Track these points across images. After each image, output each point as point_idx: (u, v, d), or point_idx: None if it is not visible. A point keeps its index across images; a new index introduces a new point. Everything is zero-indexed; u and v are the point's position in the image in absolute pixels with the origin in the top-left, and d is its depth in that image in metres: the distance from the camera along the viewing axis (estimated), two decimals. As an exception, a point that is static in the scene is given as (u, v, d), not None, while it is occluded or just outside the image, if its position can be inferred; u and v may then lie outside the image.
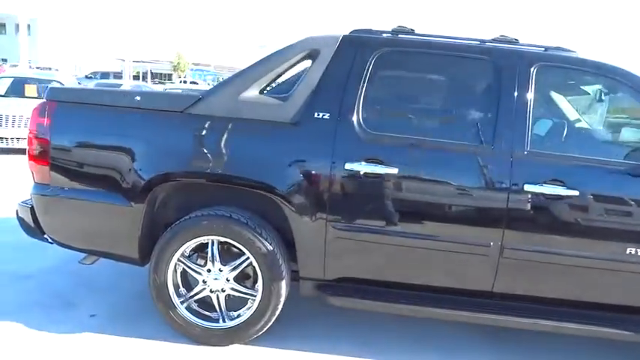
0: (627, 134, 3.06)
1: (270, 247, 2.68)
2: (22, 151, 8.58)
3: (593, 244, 2.58)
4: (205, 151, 2.69)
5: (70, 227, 2.90)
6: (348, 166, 2.60)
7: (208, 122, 2.71)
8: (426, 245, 2.63)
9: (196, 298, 2.82)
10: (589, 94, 3.12)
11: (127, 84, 18.87)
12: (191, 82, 29.25)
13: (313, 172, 2.63)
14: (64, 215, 2.88)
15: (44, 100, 2.86)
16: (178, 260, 2.76)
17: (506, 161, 2.57)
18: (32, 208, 2.88)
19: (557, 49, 2.82)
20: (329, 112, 2.66)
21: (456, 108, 2.85)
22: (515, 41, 2.82)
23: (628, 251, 2.54)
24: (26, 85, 10.01)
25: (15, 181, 6.66)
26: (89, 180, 2.82)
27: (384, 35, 2.82)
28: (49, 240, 2.95)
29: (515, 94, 2.61)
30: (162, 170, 2.70)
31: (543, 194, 2.53)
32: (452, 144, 2.64)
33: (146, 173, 2.70)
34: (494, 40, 2.84)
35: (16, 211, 3.02)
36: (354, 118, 2.64)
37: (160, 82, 39.83)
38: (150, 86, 21.67)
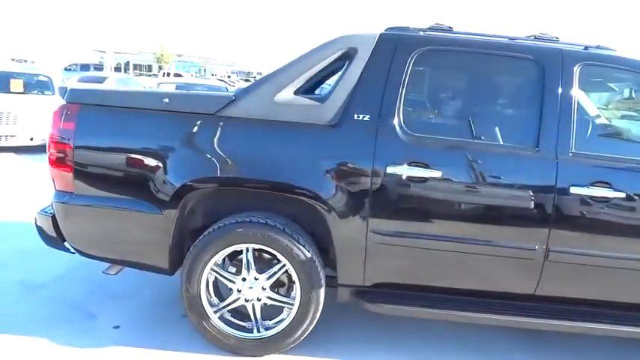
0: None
1: (309, 254, 2.59)
2: (10, 149, 8.36)
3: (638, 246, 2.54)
4: (242, 155, 2.58)
5: (96, 236, 2.77)
6: (390, 169, 2.51)
7: (243, 125, 2.59)
8: (468, 249, 2.57)
9: (230, 307, 2.72)
10: (632, 94, 3.08)
11: (112, 77, 18.34)
12: (175, 75, 28.69)
13: (354, 176, 2.54)
14: (89, 224, 2.74)
15: (65, 102, 2.70)
16: (211, 269, 2.65)
17: (551, 163, 2.51)
18: (54, 217, 2.74)
19: (597, 47, 2.76)
20: (369, 113, 2.56)
21: (499, 109, 2.78)
22: (556, 39, 2.75)
23: None
24: (12, 80, 9.67)
25: (11, 182, 6.44)
26: (116, 187, 2.68)
27: (424, 33, 2.72)
28: (71, 250, 2.81)
29: (559, 93, 2.54)
30: (196, 176, 2.57)
31: (590, 196, 2.49)
32: (496, 146, 2.57)
33: (179, 179, 2.57)
34: (535, 39, 2.77)
35: (35, 219, 2.87)
36: (395, 120, 2.55)
37: (139, 74, 38.97)
38: (137, 79, 21.11)
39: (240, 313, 2.75)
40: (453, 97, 2.87)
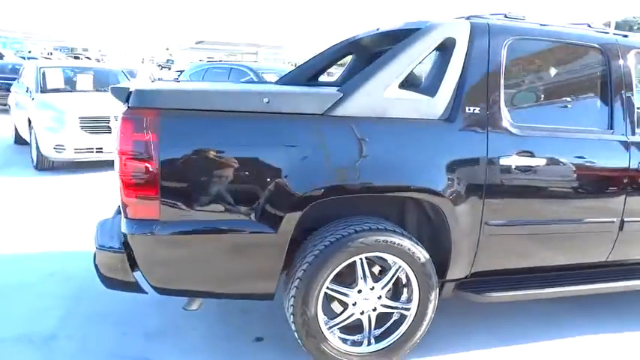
0: None
1: (427, 255, 2.49)
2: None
3: None
4: (362, 159, 2.33)
5: (186, 268, 2.28)
6: (503, 161, 2.52)
7: (358, 125, 2.34)
8: (566, 229, 2.73)
9: (343, 324, 2.49)
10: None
11: None
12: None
13: (471, 170, 2.49)
14: (181, 257, 2.24)
15: (130, 106, 2.13)
16: (327, 287, 2.39)
17: (623, 143, 2.77)
18: (129, 255, 2.18)
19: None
20: (479, 105, 2.51)
21: (580, 96, 2.95)
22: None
23: None
24: (80, 76, 8.19)
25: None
26: (214, 207, 2.21)
27: (510, 22, 2.72)
28: (145, 289, 2.29)
29: (623, 80, 2.79)
30: (318, 186, 2.26)
31: None
32: (584, 130, 2.74)
33: (296, 192, 2.23)
34: (588, 27, 2.97)
35: (94, 256, 2.25)
36: (502, 110, 2.54)
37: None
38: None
39: (348, 327, 2.54)
40: (543, 86, 2.95)
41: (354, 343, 2.53)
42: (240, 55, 40.07)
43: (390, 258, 2.45)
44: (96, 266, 2.28)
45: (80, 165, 6.92)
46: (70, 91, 7.88)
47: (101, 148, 6.66)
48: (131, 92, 2.14)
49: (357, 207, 2.54)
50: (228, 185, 2.22)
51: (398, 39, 2.65)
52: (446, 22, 2.60)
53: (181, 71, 12.57)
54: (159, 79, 13.20)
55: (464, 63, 2.52)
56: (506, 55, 2.60)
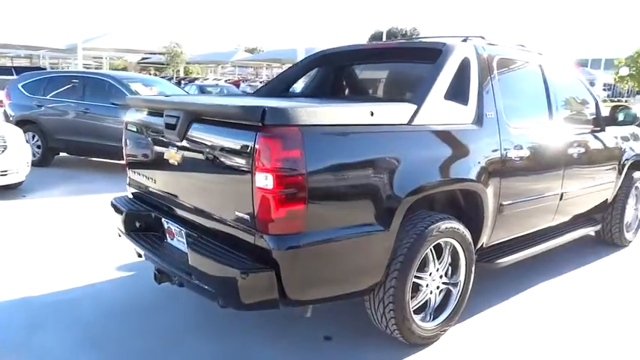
0: None
1: (470, 236, 3.02)
2: None
3: None
4: (439, 160, 2.76)
5: (320, 277, 2.36)
6: (508, 153, 3.20)
7: (430, 131, 2.75)
8: (549, 200, 3.67)
9: (418, 306, 2.86)
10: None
11: None
12: None
13: (494, 163, 3.09)
14: (320, 265, 2.32)
15: (266, 124, 2.14)
16: (414, 275, 2.74)
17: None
18: (278, 271, 2.18)
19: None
20: (492, 111, 3.14)
21: (540, 99, 3.79)
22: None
23: None
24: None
25: None
26: (347, 214, 2.41)
27: (493, 45, 3.40)
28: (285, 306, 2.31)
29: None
30: (414, 186, 2.60)
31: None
32: (546, 125, 3.67)
33: (402, 191, 2.53)
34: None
35: (236, 281, 2.16)
36: (503, 114, 3.22)
37: None
38: None
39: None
40: (517, 91, 3.62)
41: (423, 320, 2.92)
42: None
43: (447, 241, 2.91)
44: (243, 289, 2.20)
45: None
46: None
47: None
48: (265, 110, 2.15)
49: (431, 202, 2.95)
50: (356, 192, 2.41)
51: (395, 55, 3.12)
52: (459, 44, 3.17)
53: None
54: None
55: (478, 77, 3.13)
56: (497, 69, 3.30)
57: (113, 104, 7.46)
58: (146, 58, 42.47)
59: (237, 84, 28.08)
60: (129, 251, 3.23)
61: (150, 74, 29.30)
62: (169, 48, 36.09)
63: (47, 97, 8.18)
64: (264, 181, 2.14)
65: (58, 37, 30.02)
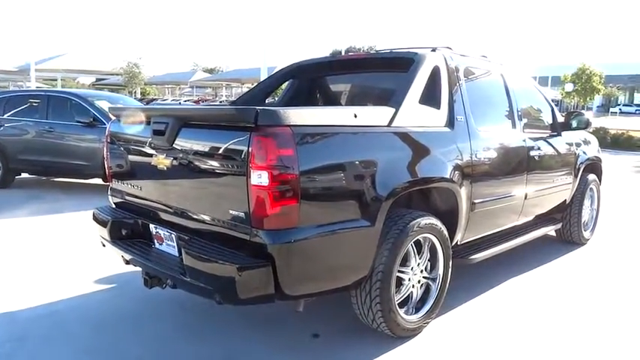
0: None
1: (446, 232, 3.20)
2: None
3: None
4: (419, 159, 2.94)
5: (312, 271, 2.47)
6: (478, 154, 3.43)
7: (407, 132, 2.92)
8: (513, 200, 3.88)
9: (401, 299, 2.99)
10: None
11: None
12: None
13: (464, 164, 3.29)
14: (316, 259, 2.43)
15: (259, 125, 2.25)
16: (397, 270, 2.88)
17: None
18: (274, 265, 2.27)
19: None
20: (461, 115, 3.36)
21: (505, 103, 4.06)
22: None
23: None
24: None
25: None
26: (338, 209, 2.55)
27: (460, 54, 3.65)
28: (279, 300, 2.39)
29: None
30: (397, 184, 2.76)
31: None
32: (509, 128, 3.91)
33: (384, 189, 2.68)
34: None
35: (235, 277, 2.23)
36: (471, 118, 3.45)
37: None
38: None
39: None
40: (482, 97, 3.86)
41: (407, 313, 3.06)
42: None
43: (426, 236, 3.08)
44: (240, 284, 2.27)
45: None
46: None
47: None
48: (258, 112, 2.26)
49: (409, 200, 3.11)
50: (343, 189, 2.55)
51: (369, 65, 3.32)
52: (429, 53, 3.39)
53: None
54: None
55: (448, 83, 3.35)
56: (464, 77, 3.55)
57: (78, 122, 7.37)
58: (101, 80, 41.76)
59: (197, 103, 28.01)
60: (108, 264, 3.24)
61: (107, 95, 28.73)
62: (127, 69, 35.61)
63: (7, 117, 7.98)
64: (259, 178, 2.24)
65: (7, 59, 29.16)
